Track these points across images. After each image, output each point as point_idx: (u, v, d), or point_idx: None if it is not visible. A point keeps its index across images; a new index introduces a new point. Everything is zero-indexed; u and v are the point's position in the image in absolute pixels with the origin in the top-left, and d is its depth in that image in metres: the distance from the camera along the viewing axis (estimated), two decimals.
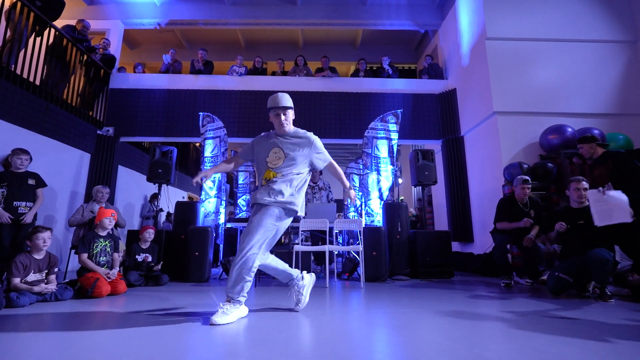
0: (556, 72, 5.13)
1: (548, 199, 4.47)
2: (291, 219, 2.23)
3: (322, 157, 2.33)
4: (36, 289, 2.56)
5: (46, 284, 2.69)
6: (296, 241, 4.17)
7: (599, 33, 5.25)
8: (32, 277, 2.66)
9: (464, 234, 5.62)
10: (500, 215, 3.67)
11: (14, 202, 3.24)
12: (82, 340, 1.55)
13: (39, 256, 2.73)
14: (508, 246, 3.68)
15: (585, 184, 3.04)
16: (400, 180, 10.52)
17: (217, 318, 1.89)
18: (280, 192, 2.12)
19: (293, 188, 2.18)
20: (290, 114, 2.27)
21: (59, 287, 2.73)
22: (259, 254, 2.03)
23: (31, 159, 3.62)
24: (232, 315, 1.96)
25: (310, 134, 2.29)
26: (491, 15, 5.26)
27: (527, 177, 3.66)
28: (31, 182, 3.39)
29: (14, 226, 3.26)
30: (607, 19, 5.30)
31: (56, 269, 2.85)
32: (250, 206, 2.30)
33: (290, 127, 2.28)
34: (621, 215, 2.61)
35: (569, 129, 4.59)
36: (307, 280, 2.36)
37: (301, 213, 2.25)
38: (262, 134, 2.37)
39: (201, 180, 2.32)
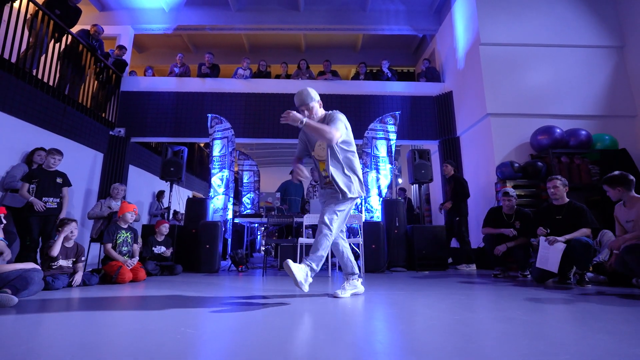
0: (546, 76, 5.40)
1: (537, 197, 4.73)
2: (352, 201, 2.34)
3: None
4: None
5: (74, 272, 2.95)
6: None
7: (587, 39, 5.53)
8: (61, 262, 2.93)
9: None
10: (486, 222, 3.90)
11: (43, 198, 3.51)
12: (111, 318, 1.74)
13: (68, 245, 3.01)
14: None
15: (557, 182, 3.26)
16: (400, 180, 10.76)
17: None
18: (332, 182, 2.29)
19: (343, 172, 2.31)
20: (314, 108, 2.32)
21: (86, 273, 3.00)
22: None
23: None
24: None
25: (333, 111, 2.32)
26: (485, 22, 5.54)
27: (506, 190, 3.80)
28: (59, 180, 3.66)
29: (42, 219, 3.53)
30: (594, 25, 5.57)
31: (83, 258, 3.12)
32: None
33: (318, 118, 2.34)
34: (551, 265, 2.99)
35: (558, 130, 4.85)
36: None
37: (356, 194, 2.33)
38: None
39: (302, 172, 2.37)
